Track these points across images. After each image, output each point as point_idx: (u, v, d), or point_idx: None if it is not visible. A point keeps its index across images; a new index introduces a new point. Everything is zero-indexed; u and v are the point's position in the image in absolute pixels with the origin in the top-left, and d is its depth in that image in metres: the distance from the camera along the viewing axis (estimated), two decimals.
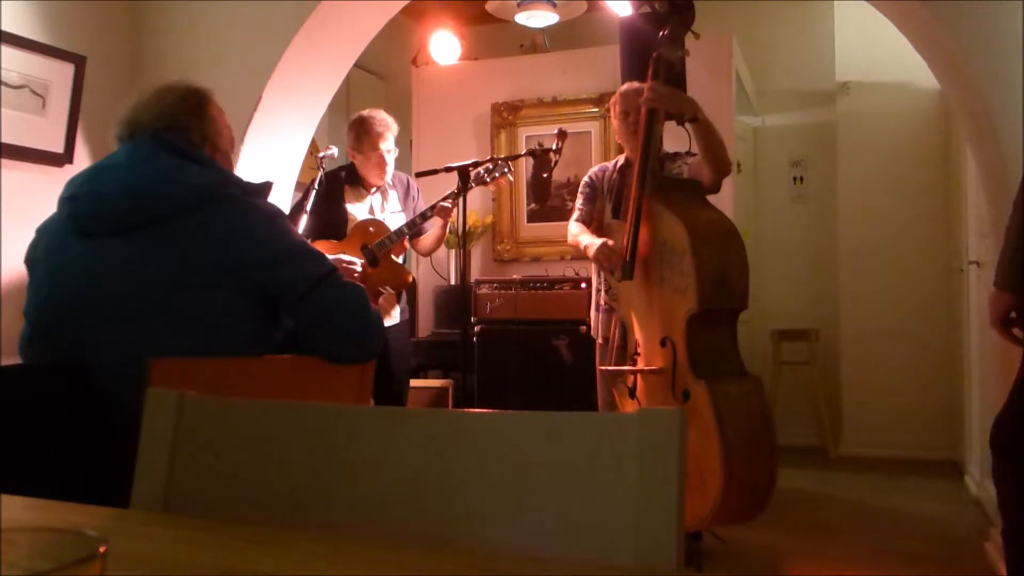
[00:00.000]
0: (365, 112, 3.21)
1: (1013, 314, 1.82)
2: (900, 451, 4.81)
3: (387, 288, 3.18)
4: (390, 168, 3.21)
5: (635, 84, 2.93)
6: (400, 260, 3.24)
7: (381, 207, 3.29)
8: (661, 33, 2.63)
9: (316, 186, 3.14)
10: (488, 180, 3.13)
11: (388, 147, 3.16)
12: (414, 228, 3.16)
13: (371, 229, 3.15)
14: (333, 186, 3.23)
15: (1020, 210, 1.69)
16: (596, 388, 3.11)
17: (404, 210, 3.32)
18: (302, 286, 1.68)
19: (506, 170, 3.14)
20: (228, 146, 1.87)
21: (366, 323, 1.78)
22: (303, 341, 1.76)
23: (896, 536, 3.46)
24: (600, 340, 3.08)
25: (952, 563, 3.08)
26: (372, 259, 3.11)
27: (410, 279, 3.27)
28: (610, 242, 2.78)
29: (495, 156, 4.74)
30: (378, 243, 3.11)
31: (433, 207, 3.12)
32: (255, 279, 1.66)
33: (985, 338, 3.54)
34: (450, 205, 3.10)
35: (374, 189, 3.27)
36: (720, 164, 2.68)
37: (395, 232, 3.12)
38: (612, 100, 3.03)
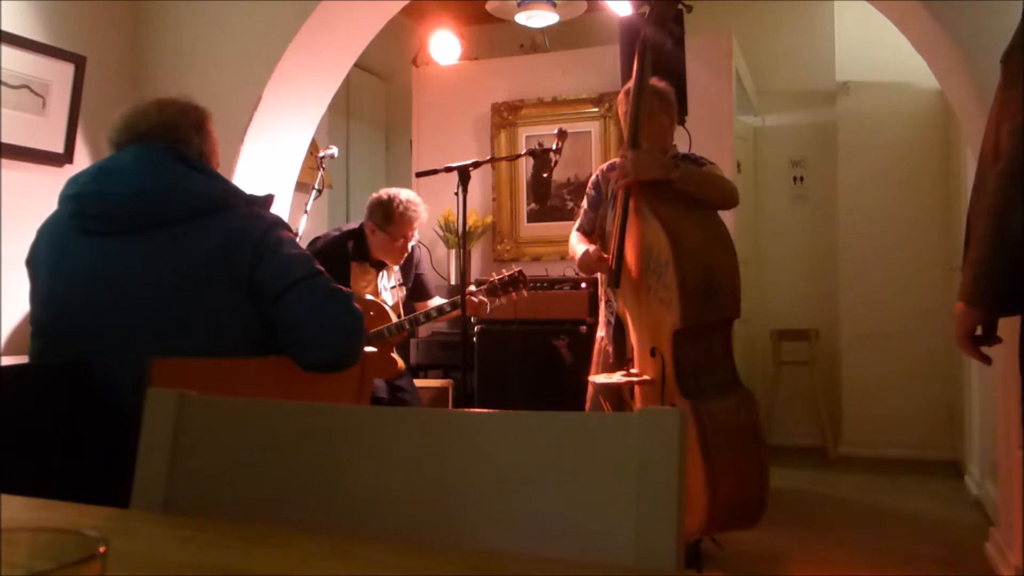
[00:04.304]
0: (402, 195, 3.04)
1: (979, 330, 1.71)
2: (900, 451, 4.81)
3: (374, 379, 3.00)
4: (406, 254, 3.09)
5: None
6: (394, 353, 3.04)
7: (379, 280, 3.15)
8: (645, 12, 2.45)
9: (317, 189, 3.07)
10: (502, 293, 2.96)
11: (415, 235, 3.05)
12: (417, 324, 3.00)
13: (371, 313, 2.94)
14: (339, 260, 3.02)
15: (991, 219, 1.55)
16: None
17: (405, 282, 3.20)
18: (277, 285, 1.66)
19: (521, 285, 2.97)
20: (217, 166, 1.87)
21: (341, 332, 1.71)
22: (280, 345, 1.70)
23: (896, 536, 3.46)
24: (605, 347, 2.88)
25: (952, 563, 3.08)
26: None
27: (402, 371, 3.08)
28: (591, 249, 2.69)
29: (495, 155, 4.75)
30: (376, 332, 2.90)
31: (444, 308, 2.98)
32: (245, 277, 1.66)
33: None
34: (481, 301, 2.94)
35: (381, 266, 3.14)
36: (720, 204, 2.56)
37: (395, 325, 2.94)
38: (619, 99, 2.84)
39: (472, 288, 2.94)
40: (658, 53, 2.52)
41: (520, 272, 3.00)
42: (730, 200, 2.59)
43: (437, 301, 3.17)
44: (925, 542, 3.34)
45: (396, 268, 3.20)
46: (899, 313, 4.90)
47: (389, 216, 3.01)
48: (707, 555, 2.92)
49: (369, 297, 3.06)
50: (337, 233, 3.20)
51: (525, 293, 3.02)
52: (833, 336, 5.14)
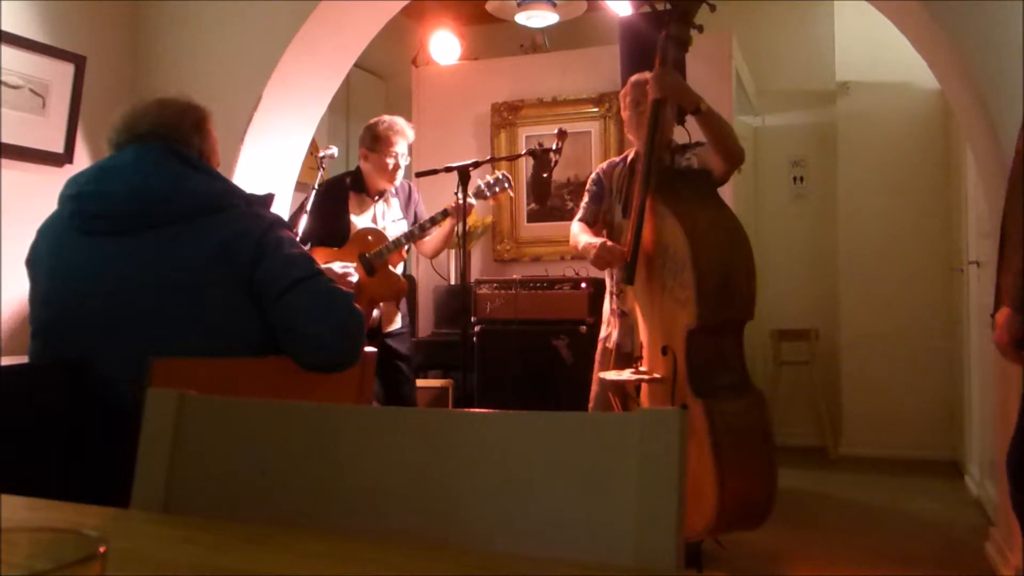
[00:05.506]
0: (386, 117, 3.24)
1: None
2: (900, 451, 4.81)
3: (381, 304, 3.16)
4: (400, 173, 3.23)
5: (646, 74, 2.75)
6: (399, 269, 3.22)
7: (383, 215, 3.29)
8: (671, 8, 2.47)
9: (317, 187, 3.12)
10: (488, 194, 3.16)
11: (402, 151, 3.19)
12: (412, 239, 3.17)
13: (370, 238, 3.14)
14: (337, 193, 3.22)
15: None
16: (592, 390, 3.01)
17: (405, 217, 3.32)
18: (278, 285, 1.66)
19: (507, 185, 3.17)
20: (217, 166, 1.88)
21: (341, 332, 1.71)
22: (280, 345, 1.71)
23: (896, 536, 3.46)
24: (609, 345, 2.92)
25: (952, 563, 3.08)
26: (369, 269, 3.09)
27: (405, 289, 3.26)
28: (608, 242, 2.70)
29: (495, 155, 4.75)
30: (375, 253, 3.10)
31: (435, 217, 3.11)
32: (245, 276, 1.67)
33: (985, 338, 3.54)
34: (470, 205, 3.02)
35: (377, 197, 3.27)
36: (730, 153, 2.56)
37: (392, 242, 3.12)
38: (623, 92, 2.88)
39: (459, 194, 3.01)
40: (677, 49, 2.52)
41: (504, 174, 3.20)
42: (739, 154, 2.60)
43: (433, 233, 3.28)
44: (925, 542, 3.34)
45: (395, 202, 3.32)
46: (899, 313, 4.90)
47: (376, 135, 3.18)
48: (708, 555, 2.92)
49: (369, 224, 3.23)
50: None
51: (511, 193, 3.31)
52: (833, 336, 5.14)
